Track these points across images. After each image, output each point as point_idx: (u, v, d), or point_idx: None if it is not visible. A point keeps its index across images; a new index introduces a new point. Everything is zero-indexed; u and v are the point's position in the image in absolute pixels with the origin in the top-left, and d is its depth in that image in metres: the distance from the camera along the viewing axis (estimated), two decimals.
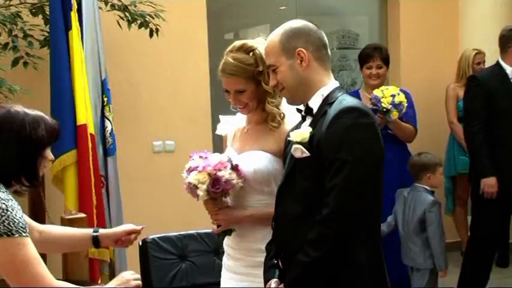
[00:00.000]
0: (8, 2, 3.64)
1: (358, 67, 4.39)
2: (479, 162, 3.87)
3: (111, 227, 3.42)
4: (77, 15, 3.46)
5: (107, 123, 3.67)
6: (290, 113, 2.23)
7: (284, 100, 2.25)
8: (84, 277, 3.32)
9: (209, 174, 2.15)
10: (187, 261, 2.89)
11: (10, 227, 1.69)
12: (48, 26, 3.58)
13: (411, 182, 4.08)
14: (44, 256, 3.52)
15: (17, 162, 1.80)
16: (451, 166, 4.92)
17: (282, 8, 5.13)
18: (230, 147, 2.37)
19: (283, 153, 2.08)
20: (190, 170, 2.18)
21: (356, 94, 4.18)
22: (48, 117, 1.90)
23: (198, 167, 2.17)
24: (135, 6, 3.86)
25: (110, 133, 3.67)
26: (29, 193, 3.64)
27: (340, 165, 1.79)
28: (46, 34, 3.65)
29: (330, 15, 5.33)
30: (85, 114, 3.43)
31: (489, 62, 4.80)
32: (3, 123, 1.81)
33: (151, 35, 3.88)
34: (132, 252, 3.19)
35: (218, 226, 2.27)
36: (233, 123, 2.41)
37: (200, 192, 2.15)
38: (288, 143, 1.99)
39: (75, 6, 3.44)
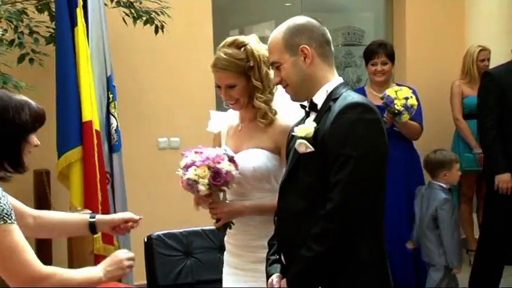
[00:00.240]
0: None
1: (363, 64, 4.38)
2: (493, 159, 3.87)
3: None
4: (82, 12, 3.46)
5: (112, 119, 3.68)
6: (286, 110, 2.23)
7: (278, 96, 2.26)
8: None
9: (209, 168, 2.15)
10: (192, 257, 2.90)
11: None
12: (54, 22, 3.59)
13: (417, 180, 4.08)
14: (49, 253, 3.57)
15: (0, 147, 1.77)
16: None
17: (288, 4, 5.13)
18: (225, 145, 2.36)
19: (286, 148, 2.07)
20: (187, 167, 2.17)
21: (361, 91, 4.16)
22: (33, 102, 1.86)
23: (195, 162, 2.16)
24: (141, 3, 3.86)
25: (115, 130, 3.68)
26: (34, 189, 3.72)
27: (344, 160, 1.79)
28: (52, 31, 3.65)
29: (335, 12, 5.32)
30: (90, 110, 3.44)
31: (495, 59, 4.78)
32: None
33: (156, 31, 3.88)
34: (137, 249, 3.19)
35: (217, 221, 2.26)
36: (225, 121, 2.41)
37: (202, 187, 2.14)
38: (292, 138, 1.98)
39: (80, 2, 3.45)
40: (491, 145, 3.86)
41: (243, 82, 2.21)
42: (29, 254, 1.71)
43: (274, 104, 2.26)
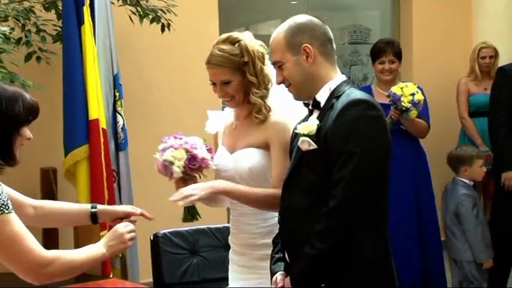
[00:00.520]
0: None
1: (370, 62, 4.37)
2: (502, 156, 3.87)
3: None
4: (89, 10, 3.47)
5: (119, 118, 3.69)
6: (281, 107, 2.23)
7: (273, 94, 2.25)
8: (96, 271, 3.35)
9: (186, 151, 2.18)
10: (198, 256, 2.89)
11: None
12: (61, 20, 3.60)
13: (423, 178, 4.08)
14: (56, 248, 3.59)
15: None
16: None
17: (293, 2, 5.13)
18: (221, 145, 2.36)
19: (290, 146, 2.07)
20: (164, 150, 2.21)
21: (368, 89, 4.16)
22: (27, 95, 1.82)
23: (173, 145, 2.21)
24: (147, 1, 3.87)
25: (121, 128, 3.69)
26: (41, 187, 3.73)
27: (347, 157, 1.79)
28: (59, 29, 3.66)
29: (341, 10, 5.32)
30: (97, 109, 3.44)
31: (502, 58, 4.77)
32: None
33: (162, 29, 3.88)
34: (144, 247, 3.21)
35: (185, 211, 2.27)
36: (222, 120, 2.41)
37: (176, 168, 2.18)
38: (295, 136, 1.98)
39: (87, 1, 3.46)
40: (501, 142, 3.86)
41: (238, 78, 2.20)
42: (30, 241, 1.71)
43: (270, 101, 2.25)
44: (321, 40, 1.95)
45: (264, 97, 2.23)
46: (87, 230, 3.14)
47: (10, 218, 1.68)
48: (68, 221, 2.20)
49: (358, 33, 5.31)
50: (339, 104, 1.85)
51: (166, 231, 2.88)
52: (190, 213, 2.26)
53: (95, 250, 1.87)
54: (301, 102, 2.04)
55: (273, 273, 2.03)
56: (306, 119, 2.00)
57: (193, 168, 2.20)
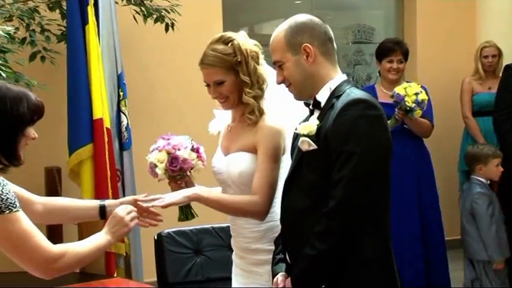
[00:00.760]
0: None
1: (373, 62, 4.37)
2: (505, 152, 3.86)
3: None
4: (93, 10, 3.48)
5: (123, 117, 3.69)
6: (277, 112, 2.20)
7: (271, 94, 2.23)
8: (100, 270, 3.36)
9: (168, 153, 2.18)
10: (202, 255, 2.90)
11: None
12: (65, 20, 3.61)
13: (427, 177, 4.08)
14: None
15: None
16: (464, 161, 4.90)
17: (297, 2, 5.13)
18: (219, 147, 2.35)
19: (291, 146, 2.05)
20: (152, 151, 2.23)
21: (372, 89, 4.16)
22: (32, 95, 1.82)
23: (159, 147, 2.22)
24: (151, 0, 3.88)
25: (125, 127, 3.70)
26: (45, 186, 3.74)
27: (347, 157, 1.77)
28: (63, 29, 3.68)
29: (345, 10, 5.32)
30: (101, 108, 3.45)
31: (506, 57, 4.76)
32: None
33: (166, 29, 3.90)
34: (148, 246, 3.21)
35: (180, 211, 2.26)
36: (224, 120, 2.38)
37: (158, 171, 2.19)
38: (296, 137, 1.96)
39: (91, 1, 3.47)
40: (503, 138, 3.86)
41: (231, 78, 2.17)
42: (39, 238, 1.72)
43: (265, 103, 2.21)
44: (321, 39, 1.93)
45: (257, 97, 2.19)
46: (91, 226, 3.13)
47: (18, 216, 1.69)
48: (75, 216, 2.20)
49: (362, 33, 5.31)
50: (339, 103, 1.84)
51: (170, 230, 2.89)
52: (184, 212, 2.24)
53: (100, 239, 1.88)
54: (301, 102, 2.02)
55: (274, 274, 2.02)
56: (306, 119, 1.98)
57: (174, 170, 2.19)
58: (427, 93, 3.91)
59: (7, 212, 1.66)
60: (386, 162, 1.87)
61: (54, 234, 3.50)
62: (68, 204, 2.14)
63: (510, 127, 3.84)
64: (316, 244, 1.80)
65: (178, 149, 2.19)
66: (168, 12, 3.88)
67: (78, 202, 2.18)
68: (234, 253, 2.37)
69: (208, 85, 2.22)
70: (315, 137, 1.85)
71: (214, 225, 2.88)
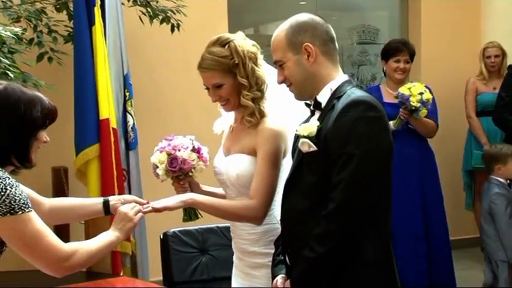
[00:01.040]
0: None
1: (378, 62, 4.38)
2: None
3: None
4: (100, 11, 3.48)
5: (129, 117, 3.70)
6: (278, 114, 2.19)
7: (272, 95, 2.21)
8: (107, 269, 3.38)
9: (168, 154, 2.20)
10: (207, 254, 2.92)
11: (12, 205, 1.67)
12: (72, 21, 3.62)
13: (431, 177, 4.08)
14: None
15: (9, 141, 1.75)
16: (467, 160, 4.91)
17: (302, 3, 5.14)
18: (221, 147, 2.35)
19: (292, 147, 2.04)
20: (155, 152, 2.26)
21: (376, 89, 4.17)
22: (46, 99, 1.83)
23: (160, 148, 2.24)
24: (157, 1, 3.89)
25: (131, 127, 3.71)
26: (53, 186, 3.77)
27: (347, 159, 1.75)
28: (70, 30, 3.69)
29: (350, 10, 5.33)
30: (107, 108, 3.45)
31: (511, 57, 4.77)
32: None
33: (172, 30, 3.91)
34: (154, 245, 3.24)
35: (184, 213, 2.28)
36: (229, 120, 2.37)
37: (159, 171, 2.21)
38: (297, 138, 1.94)
39: (98, 2, 3.47)
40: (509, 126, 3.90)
41: (230, 80, 2.15)
42: (51, 237, 1.74)
43: (266, 105, 2.19)
44: (323, 39, 1.91)
45: (256, 99, 2.17)
46: (98, 225, 3.16)
47: (31, 217, 1.71)
48: (80, 214, 2.21)
49: (366, 34, 5.32)
50: (340, 104, 1.81)
51: (175, 230, 2.91)
52: (188, 213, 2.26)
53: (108, 236, 1.91)
54: (303, 103, 2.00)
55: (274, 276, 2.01)
56: (307, 119, 1.96)
57: (174, 170, 2.20)
58: (431, 93, 3.92)
59: (20, 212, 1.68)
60: (387, 164, 1.84)
61: (61, 234, 3.50)
62: (73, 203, 2.17)
63: (509, 114, 3.94)
64: (315, 247, 1.79)
65: (178, 150, 2.21)
66: (174, 13, 3.89)
67: (82, 200, 2.20)
68: (234, 255, 2.37)
69: (208, 88, 2.21)
70: (315, 139, 1.83)
71: (220, 225, 2.89)
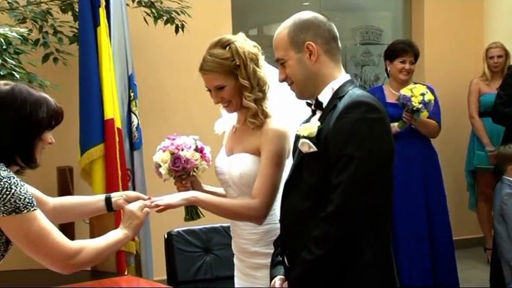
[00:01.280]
0: None
1: (381, 63, 4.38)
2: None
3: None
4: (105, 12, 3.51)
5: (133, 117, 3.72)
6: (282, 114, 2.19)
7: (274, 94, 2.21)
8: (111, 268, 3.40)
9: (171, 153, 2.20)
10: (211, 254, 2.93)
11: (17, 204, 1.68)
12: (77, 22, 3.65)
13: (434, 177, 4.09)
14: None
15: (13, 141, 1.76)
16: (470, 161, 4.92)
17: (306, 3, 5.15)
18: (223, 147, 2.35)
19: (293, 147, 2.01)
20: (157, 152, 2.26)
21: (379, 90, 4.18)
22: (52, 100, 1.84)
23: (163, 148, 2.25)
24: (161, 2, 3.91)
25: (136, 127, 3.72)
26: (58, 186, 3.79)
27: (347, 161, 1.72)
28: (75, 30, 3.72)
29: (354, 11, 5.33)
30: (112, 108, 3.47)
31: None
32: (4, 101, 1.77)
33: (176, 31, 3.92)
34: (158, 245, 3.25)
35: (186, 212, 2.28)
36: (230, 120, 2.37)
37: (162, 171, 2.22)
38: (297, 138, 1.91)
39: (103, 3, 3.49)
40: (506, 119, 4.01)
41: (231, 82, 2.15)
42: (57, 236, 1.76)
43: (269, 106, 2.19)
44: (325, 38, 1.88)
45: (258, 100, 2.17)
46: (102, 225, 3.19)
47: (36, 215, 1.73)
48: (84, 212, 2.22)
49: (370, 34, 5.33)
50: (341, 105, 1.79)
51: (180, 229, 2.92)
52: (190, 212, 2.26)
53: (116, 234, 1.92)
54: (304, 102, 1.98)
55: (272, 277, 1.99)
56: (308, 119, 1.95)
57: (177, 170, 2.20)
58: (433, 94, 3.93)
59: (25, 211, 1.70)
60: (388, 166, 1.80)
61: (66, 233, 3.48)
62: (76, 201, 2.18)
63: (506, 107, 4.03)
64: (313, 249, 1.76)
65: (182, 149, 2.21)
66: (178, 14, 3.91)
67: (85, 198, 2.22)
68: (235, 256, 2.37)
69: (210, 90, 2.21)
70: (315, 139, 1.80)
71: (224, 225, 2.89)
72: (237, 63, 2.14)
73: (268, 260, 2.11)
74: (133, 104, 3.73)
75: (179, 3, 3.94)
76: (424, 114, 3.82)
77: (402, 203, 3.90)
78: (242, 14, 4.83)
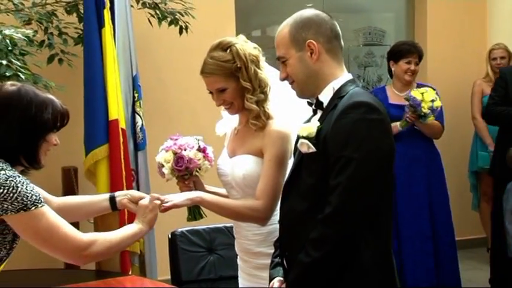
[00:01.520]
0: (44, 0, 3.73)
1: (384, 63, 4.39)
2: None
3: None
4: (109, 13, 3.52)
5: (138, 118, 3.73)
6: (285, 115, 2.19)
7: (276, 93, 2.21)
8: (116, 268, 3.41)
9: (174, 153, 2.21)
10: (215, 254, 2.94)
11: (24, 202, 1.70)
12: (82, 23, 3.67)
13: (437, 178, 4.10)
14: None
15: (18, 141, 1.77)
16: (473, 161, 4.93)
17: (309, 5, 5.16)
18: (225, 148, 2.35)
19: (294, 148, 1.98)
20: (160, 152, 2.27)
21: (382, 90, 4.19)
22: (58, 102, 1.85)
23: (166, 148, 2.25)
24: (166, 4, 3.92)
25: (140, 128, 3.74)
26: (63, 186, 3.81)
27: (345, 162, 1.69)
28: (80, 32, 3.74)
29: (357, 12, 5.34)
30: (117, 109, 3.49)
31: None
32: (10, 101, 1.78)
33: (180, 32, 3.94)
34: (162, 245, 3.27)
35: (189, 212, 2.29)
36: (231, 122, 2.38)
37: (165, 170, 2.22)
38: (298, 138, 1.88)
39: (108, 4, 3.51)
40: (501, 115, 4.03)
41: (233, 84, 2.15)
42: (67, 228, 1.77)
43: (271, 107, 2.19)
44: (327, 36, 1.84)
45: (260, 102, 2.17)
46: (106, 225, 3.20)
47: (44, 211, 1.74)
48: (88, 211, 2.23)
49: (373, 35, 5.34)
50: (341, 105, 1.76)
51: (183, 229, 2.93)
52: (192, 213, 2.27)
53: (131, 228, 1.94)
54: (305, 102, 1.95)
55: (271, 278, 1.98)
56: (309, 119, 1.92)
57: (180, 170, 2.21)
58: (437, 94, 3.94)
59: (33, 208, 1.71)
60: (387, 167, 1.77)
61: None
62: (80, 201, 2.19)
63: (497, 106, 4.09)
64: (310, 251, 1.74)
65: (184, 149, 2.21)
66: (182, 15, 3.92)
67: (89, 198, 2.23)
68: (238, 256, 2.38)
69: (211, 92, 2.22)
70: (314, 139, 1.78)
71: (227, 225, 2.90)
72: (238, 66, 2.14)
73: None
74: (138, 104, 3.74)
75: (183, 5, 3.96)
76: (431, 119, 3.84)
77: (406, 204, 3.92)
78: (246, 15, 4.84)
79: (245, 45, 2.20)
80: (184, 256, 2.90)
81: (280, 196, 2.06)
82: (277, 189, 2.10)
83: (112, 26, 3.55)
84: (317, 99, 1.86)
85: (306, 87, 1.87)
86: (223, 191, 2.35)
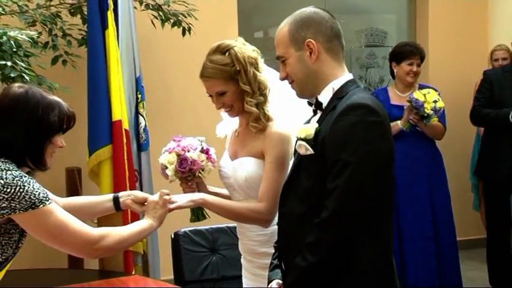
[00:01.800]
0: (48, 2, 3.76)
1: (386, 65, 4.40)
2: (500, 119, 4.07)
3: None
4: (113, 15, 3.53)
5: (141, 119, 3.74)
6: (285, 116, 2.20)
7: (273, 100, 2.22)
8: (119, 268, 3.43)
9: (178, 155, 2.22)
10: (217, 254, 2.95)
11: (32, 200, 1.71)
12: (86, 25, 3.68)
13: (439, 179, 4.11)
14: None
15: (25, 143, 1.78)
16: (475, 162, 4.93)
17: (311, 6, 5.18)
18: (226, 151, 2.36)
19: (293, 149, 1.95)
20: (163, 153, 2.28)
21: (384, 91, 4.20)
22: (65, 104, 1.86)
23: (169, 149, 2.26)
24: (169, 5, 3.94)
25: (143, 129, 3.75)
26: (66, 186, 3.83)
27: (342, 165, 1.66)
28: (84, 33, 3.76)
29: (358, 13, 5.36)
30: (120, 110, 3.50)
31: None
32: (17, 103, 1.79)
33: (183, 33, 3.96)
34: (165, 245, 3.28)
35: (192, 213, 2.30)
36: (231, 124, 2.38)
37: (169, 172, 2.23)
38: (297, 140, 1.85)
39: (111, 6, 3.52)
40: (488, 117, 4.10)
41: (232, 87, 2.16)
42: (76, 224, 1.79)
43: (271, 109, 2.19)
44: (327, 35, 1.80)
45: (260, 104, 2.17)
46: (110, 225, 3.20)
47: (52, 208, 1.76)
48: (92, 212, 2.24)
49: (374, 36, 5.36)
50: (340, 106, 1.72)
51: (186, 229, 2.94)
52: (196, 213, 2.28)
53: (141, 223, 1.96)
54: (305, 102, 1.93)
55: (269, 280, 1.97)
56: (309, 120, 1.90)
57: (183, 171, 2.22)
58: (438, 95, 3.95)
59: (41, 206, 1.73)
60: (386, 170, 1.73)
61: None
62: (84, 202, 2.21)
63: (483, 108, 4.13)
64: (306, 256, 1.71)
65: (188, 151, 2.22)
66: (185, 17, 3.94)
67: (93, 198, 2.24)
68: (242, 257, 2.39)
69: (211, 96, 2.23)
70: (312, 141, 1.75)
71: (230, 225, 2.91)
72: (237, 69, 2.15)
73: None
74: (141, 105, 3.76)
75: (186, 6, 3.97)
76: (434, 120, 3.85)
77: (408, 204, 3.93)
78: (248, 16, 4.86)
79: (244, 48, 2.20)
80: (187, 256, 2.91)
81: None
82: (278, 191, 2.08)
83: (115, 28, 3.56)
84: (316, 99, 1.84)
85: (306, 87, 1.84)
86: (225, 191, 2.36)
